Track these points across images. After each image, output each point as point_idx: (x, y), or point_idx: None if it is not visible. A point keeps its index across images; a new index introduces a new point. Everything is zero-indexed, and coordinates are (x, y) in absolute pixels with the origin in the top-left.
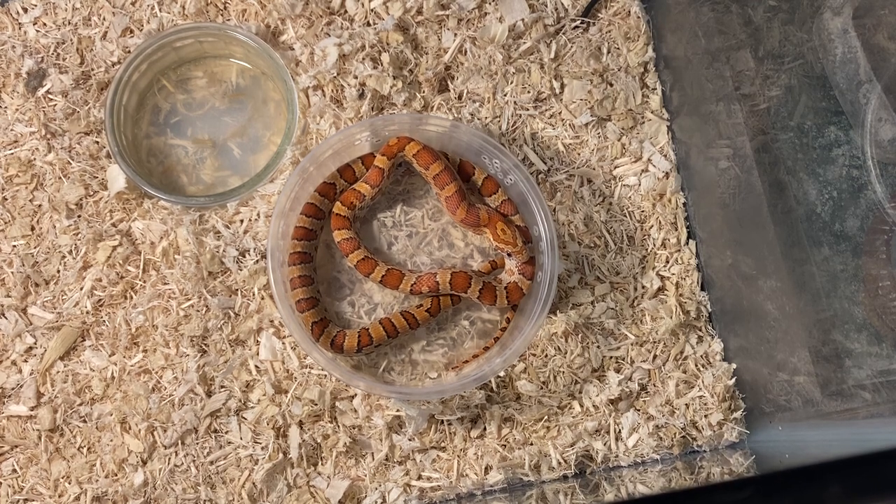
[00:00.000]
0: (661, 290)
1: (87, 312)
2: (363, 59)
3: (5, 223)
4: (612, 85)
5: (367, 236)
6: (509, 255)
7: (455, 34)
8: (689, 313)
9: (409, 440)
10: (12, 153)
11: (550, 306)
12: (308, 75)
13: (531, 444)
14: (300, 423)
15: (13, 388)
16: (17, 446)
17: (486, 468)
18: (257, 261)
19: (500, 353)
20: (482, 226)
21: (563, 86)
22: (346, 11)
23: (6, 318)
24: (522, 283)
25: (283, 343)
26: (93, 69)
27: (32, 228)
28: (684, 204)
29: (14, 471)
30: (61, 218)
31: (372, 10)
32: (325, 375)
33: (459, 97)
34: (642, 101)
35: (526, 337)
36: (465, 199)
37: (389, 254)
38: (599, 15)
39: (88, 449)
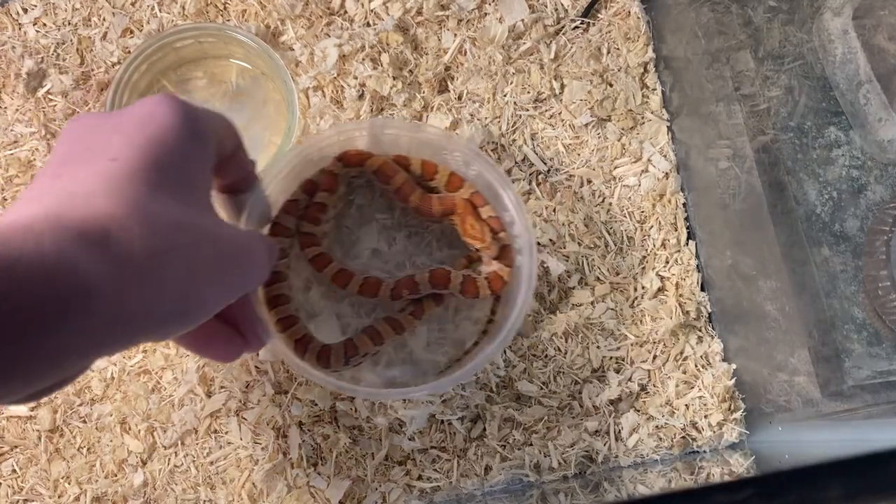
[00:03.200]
0: (661, 290)
1: None
2: (363, 59)
3: None
4: (612, 85)
5: (366, 236)
6: (477, 250)
7: (455, 34)
8: (689, 314)
9: (410, 440)
10: (12, 153)
11: (535, 288)
12: (308, 76)
13: (531, 445)
14: (300, 424)
15: None
16: (17, 446)
17: (486, 468)
18: None
19: (490, 342)
20: (457, 213)
21: (563, 86)
22: (346, 12)
23: None
24: (503, 271)
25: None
26: (93, 69)
27: None
28: (684, 204)
29: (14, 471)
30: None
31: (372, 11)
32: None
33: (459, 97)
34: (642, 102)
35: (515, 322)
36: (427, 194)
37: (389, 253)
38: (599, 15)
39: (88, 449)
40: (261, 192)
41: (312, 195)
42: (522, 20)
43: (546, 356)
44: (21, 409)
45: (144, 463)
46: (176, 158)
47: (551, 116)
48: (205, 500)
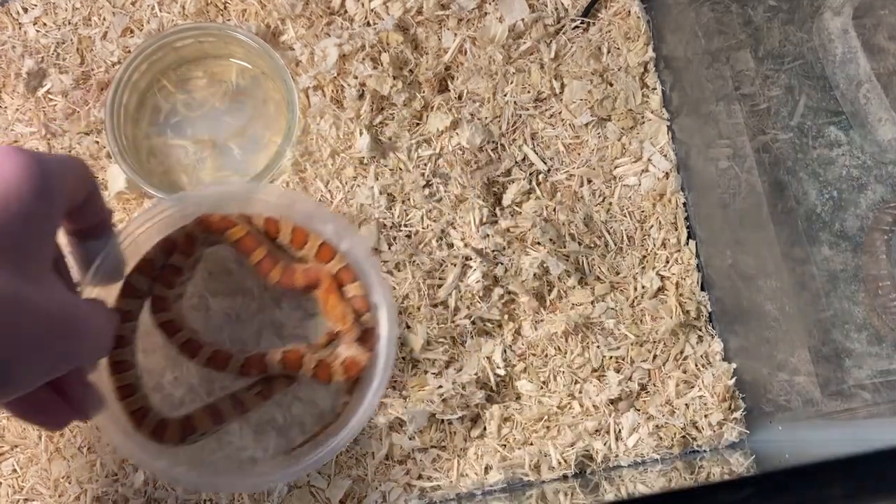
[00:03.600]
0: (662, 290)
1: None
2: (363, 59)
3: None
4: (612, 85)
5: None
6: (337, 332)
7: (455, 34)
8: (689, 313)
9: (410, 439)
10: None
11: (391, 375)
12: (308, 75)
13: (531, 444)
14: (301, 424)
15: None
16: (17, 446)
17: (486, 468)
18: None
19: (339, 431)
20: (322, 287)
21: (563, 86)
22: (346, 11)
23: None
24: (362, 356)
25: (283, 344)
26: (93, 69)
27: None
28: (684, 204)
29: (14, 471)
30: None
31: (372, 10)
32: None
33: (459, 97)
34: (642, 101)
35: (364, 412)
36: (291, 266)
37: (389, 251)
38: (599, 15)
39: (89, 449)
40: (114, 246)
41: (170, 255)
42: (522, 20)
43: (546, 356)
44: None
45: None
46: (14, 221)
47: (551, 116)
48: (206, 500)
